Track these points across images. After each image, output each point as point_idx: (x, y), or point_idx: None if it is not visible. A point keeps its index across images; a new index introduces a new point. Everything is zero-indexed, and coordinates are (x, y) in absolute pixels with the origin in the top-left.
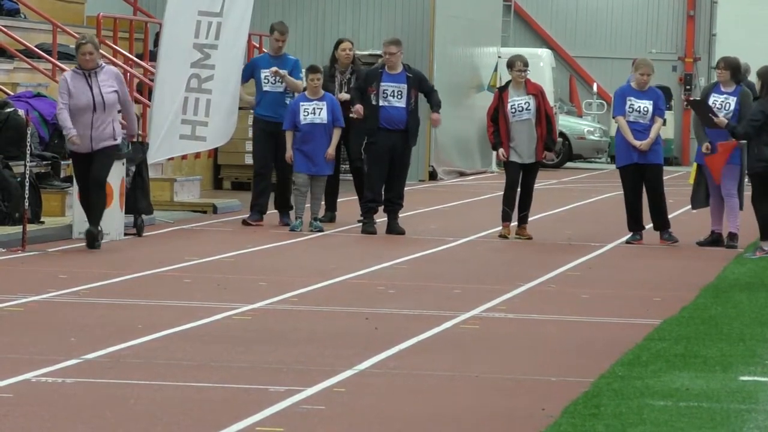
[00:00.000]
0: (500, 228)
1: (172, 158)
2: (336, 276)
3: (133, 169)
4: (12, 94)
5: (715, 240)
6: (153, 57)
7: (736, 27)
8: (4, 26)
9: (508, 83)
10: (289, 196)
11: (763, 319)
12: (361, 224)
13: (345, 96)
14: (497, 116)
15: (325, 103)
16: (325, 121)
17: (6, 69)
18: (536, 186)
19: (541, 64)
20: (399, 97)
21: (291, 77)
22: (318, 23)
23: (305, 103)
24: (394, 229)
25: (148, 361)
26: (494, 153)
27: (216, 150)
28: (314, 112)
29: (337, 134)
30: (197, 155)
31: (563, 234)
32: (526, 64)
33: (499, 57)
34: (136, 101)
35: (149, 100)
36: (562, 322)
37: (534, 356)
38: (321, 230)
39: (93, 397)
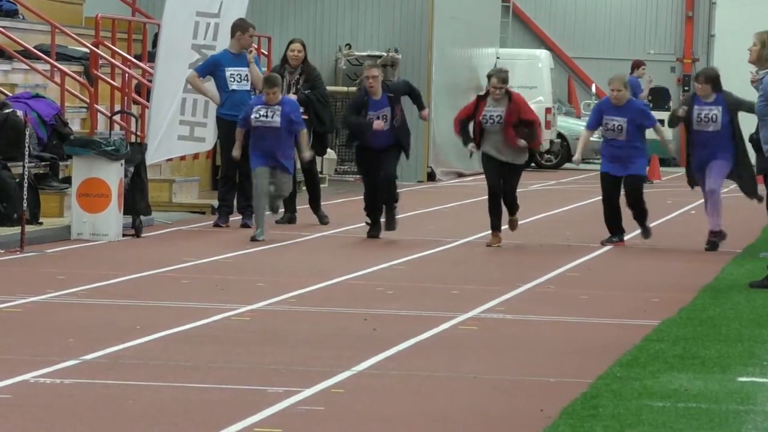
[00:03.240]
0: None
1: (170, 159)
2: (334, 277)
3: (132, 169)
4: (10, 95)
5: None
6: (151, 58)
7: (734, 28)
8: (3, 27)
9: (488, 93)
10: (250, 196)
11: (761, 320)
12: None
13: (292, 97)
14: (467, 123)
15: (279, 107)
16: (278, 125)
17: (4, 70)
18: (535, 187)
19: (540, 65)
20: (384, 120)
21: (256, 68)
22: (316, 25)
23: (260, 107)
24: (388, 225)
25: (146, 362)
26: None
27: (214, 151)
28: (267, 114)
29: (303, 136)
30: (195, 156)
31: (562, 235)
32: (503, 81)
33: (498, 58)
34: (135, 102)
35: (148, 101)
36: (561, 323)
37: (532, 357)
38: (261, 240)
39: (91, 397)
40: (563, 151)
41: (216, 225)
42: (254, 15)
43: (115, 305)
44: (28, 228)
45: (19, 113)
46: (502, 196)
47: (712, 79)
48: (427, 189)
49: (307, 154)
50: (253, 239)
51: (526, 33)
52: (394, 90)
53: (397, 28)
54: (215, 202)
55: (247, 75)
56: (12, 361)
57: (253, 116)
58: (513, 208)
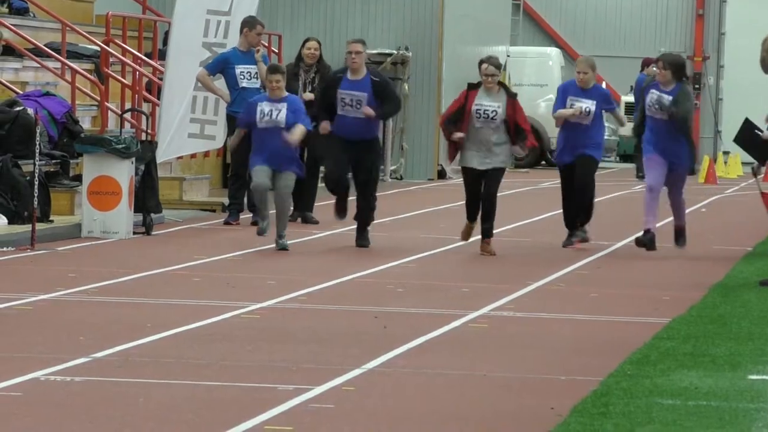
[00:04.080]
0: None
1: (180, 157)
2: (345, 275)
3: (142, 167)
4: (21, 92)
5: (651, 239)
6: (162, 56)
7: (745, 26)
8: (13, 25)
9: (479, 83)
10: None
11: None
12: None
13: (309, 96)
14: (458, 119)
15: (285, 104)
16: (283, 125)
17: (15, 68)
18: (545, 185)
19: (550, 62)
20: (357, 106)
21: (264, 67)
22: (327, 22)
23: (264, 104)
24: (358, 242)
25: (156, 359)
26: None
27: (225, 148)
28: (271, 114)
29: (299, 130)
30: (206, 154)
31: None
32: (497, 67)
33: (508, 56)
34: (146, 100)
35: (158, 99)
36: (571, 321)
37: (542, 355)
38: (286, 249)
39: (102, 395)
40: None
41: (226, 223)
42: (265, 13)
43: (125, 303)
44: (39, 226)
45: (30, 111)
46: (482, 200)
47: (675, 66)
48: (438, 187)
49: (295, 138)
50: (260, 234)
51: (536, 31)
52: (382, 79)
53: (407, 26)
54: (226, 200)
55: (256, 72)
56: (23, 359)
57: (258, 116)
58: (490, 218)
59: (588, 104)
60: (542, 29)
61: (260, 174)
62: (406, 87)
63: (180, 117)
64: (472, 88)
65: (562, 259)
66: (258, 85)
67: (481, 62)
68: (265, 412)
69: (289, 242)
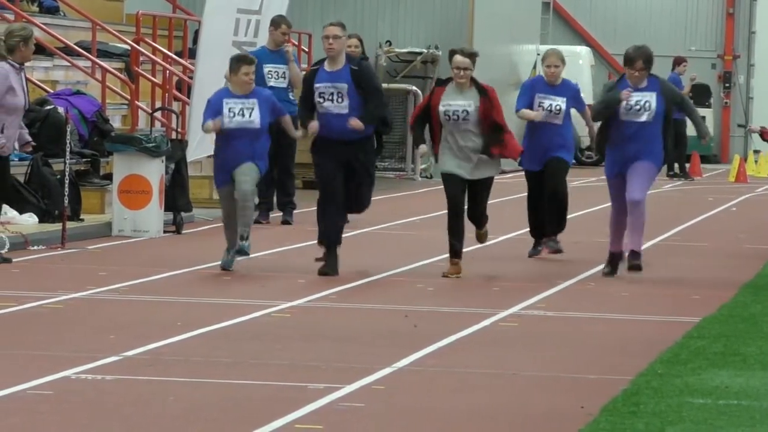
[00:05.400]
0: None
1: (211, 155)
2: (375, 274)
3: (172, 166)
4: (51, 91)
5: (614, 264)
6: (192, 55)
7: None
8: (44, 24)
9: (449, 78)
10: (290, 192)
11: None
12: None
13: None
14: (424, 118)
15: (255, 100)
16: (257, 125)
17: (45, 67)
18: (575, 184)
19: (580, 61)
20: (338, 100)
21: (295, 66)
22: (356, 22)
23: (230, 100)
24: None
25: (187, 358)
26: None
27: None
28: (242, 112)
29: (288, 122)
30: None
31: (602, 232)
32: (472, 57)
33: (538, 54)
34: (176, 99)
35: (188, 98)
36: (601, 320)
37: (573, 354)
38: (246, 254)
39: (132, 394)
40: None
41: (256, 222)
42: (294, 12)
43: (155, 302)
44: (69, 225)
45: (61, 110)
46: (468, 213)
47: (649, 60)
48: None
49: (298, 133)
50: (224, 268)
51: (566, 30)
52: (361, 66)
53: (437, 25)
54: (256, 199)
55: (285, 72)
56: (53, 357)
57: (226, 117)
58: (481, 223)
59: (558, 102)
60: (572, 28)
61: (227, 202)
62: None
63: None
64: (441, 84)
65: (593, 258)
66: (285, 85)
67: (452, 53)
68: (295, 411)
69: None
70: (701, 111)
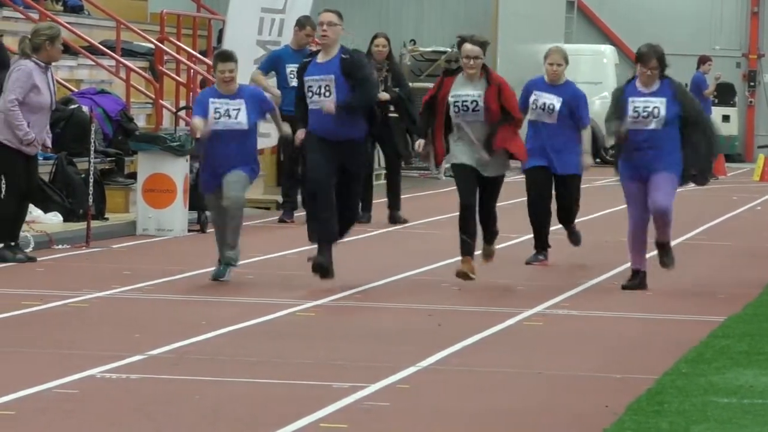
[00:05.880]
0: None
1: None
2: (399, 273)
3: (197, 165)
4: (76, 90)
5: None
6: None
7: None
8: (68, 23)
9: (459, 68)
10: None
11: None
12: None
13: (384, 95)
14: (430, 112)
15: (242, 101)
16: (245, 126)
17: (70, 66)
18: (600, 183)
19: (605, 60)
20: (326, 93)
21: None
22: (380, 21)
23: (216, 100)
24: (317, 259)
25: (212, 357)
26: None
27: (279, 146)
28: (228, 113)
29: (276, 116)
30: (260, 152)
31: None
32: (482, 46)
33: None
34: None
35: None
36: (626, 319)
37: (597, 353)
38: (233, 265)
39: (157, 393)
40: None
41: (281, 221)
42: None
43: (180, 300)
44: (94, 223)
45: (85, 109)
46: (479, 212)
47: (662, 59)
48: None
49: (286, 127)
50: (215, 278)
51: (590, 28)
52: (352, 55)
53: (461, 23)
54: (280, 198)
55: None
56: (78, 356)
57: (211, 116)
58: (490, 230)
59: (552, 100)
60: (596, 26)
61: (216, 209)
62: None
63: None
64: (450, 74)
65: (617, 257)
66: None
67: (461, 41)
68: (320, 410)
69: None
70: (726, 110)
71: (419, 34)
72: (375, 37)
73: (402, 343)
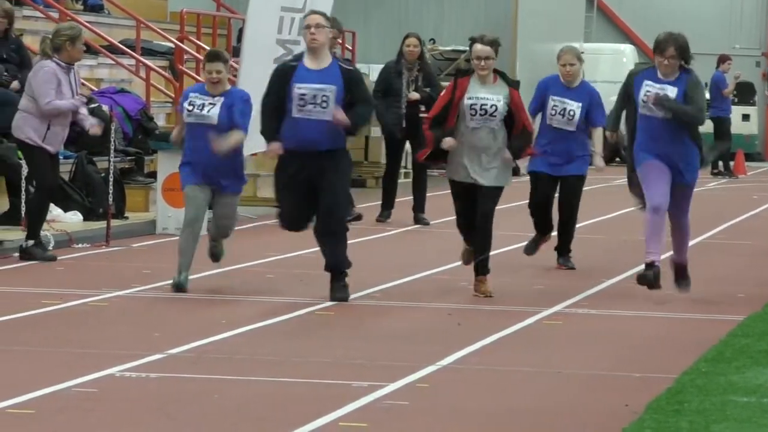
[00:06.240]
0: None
1: (255, 154)
2: (419, 272)
3: None
4: (96, 89)
5: (656, 275)
6: (236, 53)
7: None
8: (88, 22)
9: (470, 69)
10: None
11: None
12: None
13: (415, 95)
14: (445, 116)
15: (221, 99)
16: (214, 122)
17: (90, 65)
18: (618, 182)
19: (624, 59)
20: (323, 104)
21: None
22: (400, 19)
23: (195, 95)
24: (334, 294)
25: (231, 356)
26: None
27: None
28: (202, 107)
29: (236, 137)
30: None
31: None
32: (494, 46)
33: (582, 52)
34: None
35: None
36: (645, 318)
37: (617, 352)
38: (217, 260)
39: (177, 392)
40: None
41: None
42: (338, 10)
43: (199, 299)
44: (114, 223)
45: (105, 108)
46: (477, 222)
47: (682, 49)
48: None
49: (224, 147)
50: (178, 287)
51: (610, 27)
52: (354, 68)
53: (481, 23)
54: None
55: None
56: (98, 355)
57: (184, 108)
58: (484, 250)
59: (573, 107)
60: (616, 26)
61: (193, 202)
62: None
63: (254, 114)
64: (462, 75)
65: (637, 256)
66: None
67: (472, 42)
68: (340, 409)
69: (364, 239)
70: (746, 109)
71: (439, 33)
72: (407, 36)
73: (421, 342)
